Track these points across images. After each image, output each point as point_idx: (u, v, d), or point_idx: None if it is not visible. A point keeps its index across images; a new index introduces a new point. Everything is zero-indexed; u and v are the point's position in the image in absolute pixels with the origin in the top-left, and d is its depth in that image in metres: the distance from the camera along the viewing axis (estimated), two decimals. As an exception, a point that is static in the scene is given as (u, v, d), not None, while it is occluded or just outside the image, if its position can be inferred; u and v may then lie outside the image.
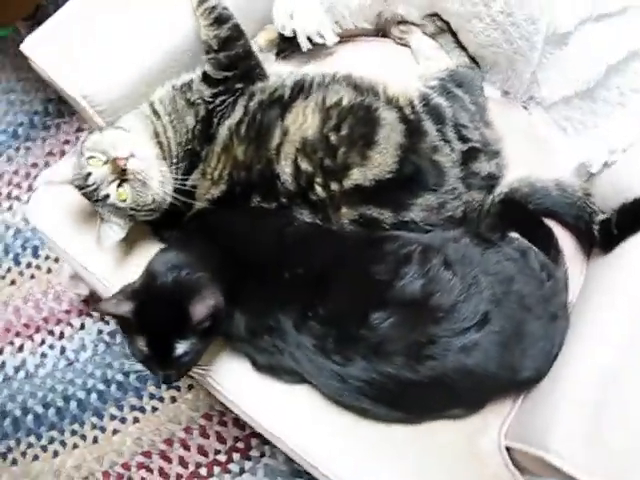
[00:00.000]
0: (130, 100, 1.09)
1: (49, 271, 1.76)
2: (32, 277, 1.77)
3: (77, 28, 1.09)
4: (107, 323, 1.69)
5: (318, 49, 1.20)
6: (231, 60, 1.06)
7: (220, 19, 1.05)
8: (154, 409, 1.62)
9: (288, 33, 1.16)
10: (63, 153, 1.89)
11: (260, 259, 0.98)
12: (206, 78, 1.07)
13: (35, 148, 1.92)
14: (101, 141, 1.01)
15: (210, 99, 1.06)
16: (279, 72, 1.11)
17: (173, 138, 1.06)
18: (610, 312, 0.97)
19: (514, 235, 1.05)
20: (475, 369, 0.90)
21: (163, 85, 1.10)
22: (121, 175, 0.98)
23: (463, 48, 1.18)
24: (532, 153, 1.16)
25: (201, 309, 0.90)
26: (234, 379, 1.06)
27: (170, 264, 0.96)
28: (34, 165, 1.90)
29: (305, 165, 1.01)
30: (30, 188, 1.86)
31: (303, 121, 1.02)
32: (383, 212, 1.01)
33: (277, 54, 1.22)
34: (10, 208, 1.85)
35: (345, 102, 1.03)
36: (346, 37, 1.23)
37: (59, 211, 1.15)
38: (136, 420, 1.61)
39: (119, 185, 0.99)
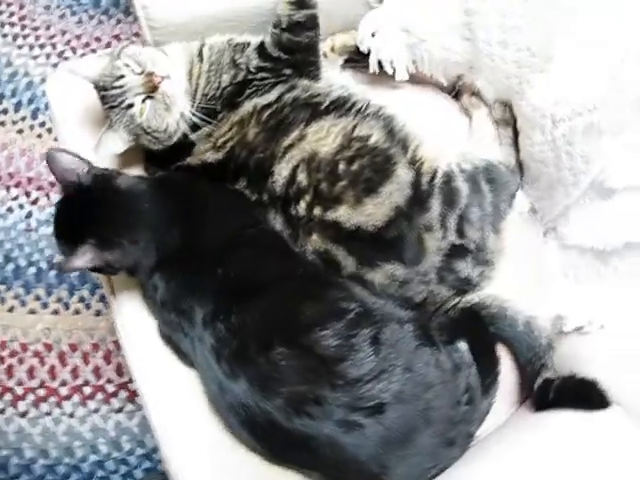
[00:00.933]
0: (184, 31, 1.08)
1: (56, 140, 1.76)
2: (39, 136, 1.78)
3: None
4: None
5: (384, 77, 1.16)
6: (292, 45, 1.03)
7: (302, 3, 1.02)
8: (76, 312, 1.63)
9: (363, 49, 1.12)
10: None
11: (206, 244, 0.96)
12: (261, 49, 1.04)
13: (107, 25, 1.91)
14: (142, 53, 1.01)
15: (253, 69, 1.03)
16: (333, 80, 1.09)
17: (202, 87, 1.04)
18: (505, 465, 0.93)
19: (463, 346, 1.01)
20: (346, 448, 0.87)
21: (223, 34, 1.07)
22: (150, 91, 0.98)
23: (517, 149, 1.14)
24: (524, 279, 1.11)
25: (80, 258, 0.89)
26: (135, 325, 1.04)
27: (126, 196, 0.95)
28: (98, 39, 1.89)
29: (302, 178, 0.98)
30: (82, 57, 1.86)
31: (323, 137, 0.99)
32: (348, 259, 0.98)
33: (345, 61, 1.18)
34: (55, 65, 1.84)
35: (371, 141, 1.00)
36: (416, 79, 1.19)
37: (73, 99, 1.13)
38: (56, 312, 1.62)
39: (143, 100, 0.98)
